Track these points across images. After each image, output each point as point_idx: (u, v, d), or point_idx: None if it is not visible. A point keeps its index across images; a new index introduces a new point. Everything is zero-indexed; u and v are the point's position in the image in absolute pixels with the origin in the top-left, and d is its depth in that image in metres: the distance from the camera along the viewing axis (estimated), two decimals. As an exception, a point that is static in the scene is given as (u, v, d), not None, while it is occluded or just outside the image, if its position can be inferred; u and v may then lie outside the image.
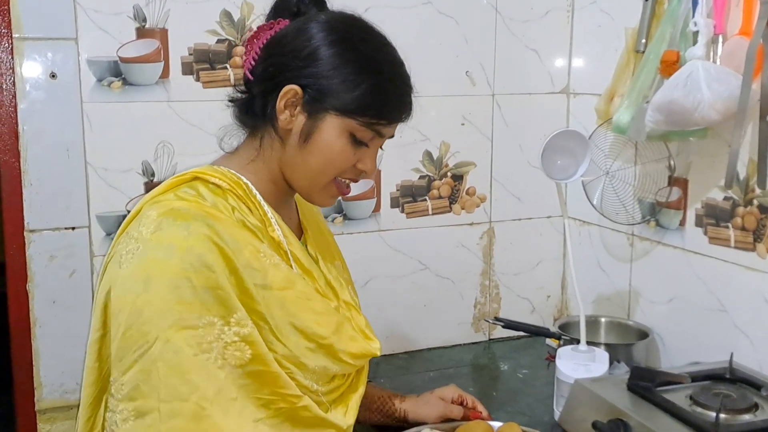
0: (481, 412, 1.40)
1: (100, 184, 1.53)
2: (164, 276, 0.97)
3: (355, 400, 1.18)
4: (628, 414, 1.21)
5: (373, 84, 1.07)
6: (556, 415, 1.46)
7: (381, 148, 1.15)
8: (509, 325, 1.59)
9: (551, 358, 1.81)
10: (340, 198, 1.72)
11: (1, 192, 1.49)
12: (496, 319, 1.60)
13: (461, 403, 1.40)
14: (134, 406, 0.97)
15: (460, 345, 1.93)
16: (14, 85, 1.47)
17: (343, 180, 1.12)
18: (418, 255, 1.86)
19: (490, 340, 1.97)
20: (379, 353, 1.20)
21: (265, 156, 1.12)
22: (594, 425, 1.21)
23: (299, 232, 1.22)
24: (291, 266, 1.09)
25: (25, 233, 1.50)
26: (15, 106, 1.47)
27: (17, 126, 1.47)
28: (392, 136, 1.14)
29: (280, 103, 1.08)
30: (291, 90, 1.07)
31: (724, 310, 1.51)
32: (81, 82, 1.50)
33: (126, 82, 1.53)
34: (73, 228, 1.53)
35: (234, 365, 0.99)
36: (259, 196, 1.10)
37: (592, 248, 1.87)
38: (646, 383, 1.29)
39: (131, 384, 0.97)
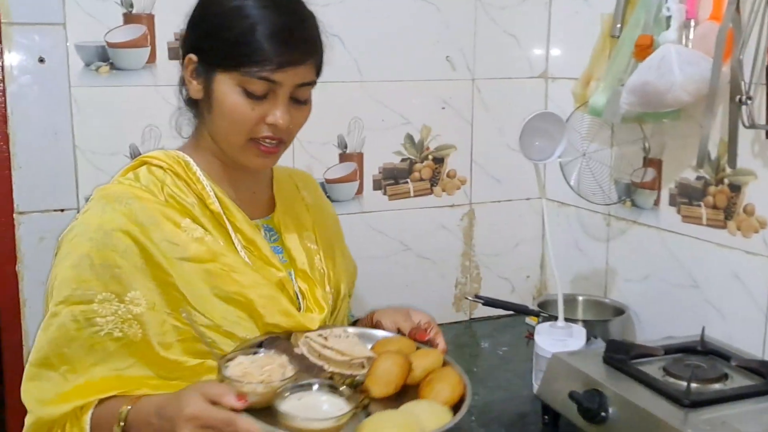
0: (429, 339, 1.24)
1: (89, 167, 1.56)
2: (72, 253, 1.07)
3: None
4: (604, 384, 1.26)
5: (241, 32, 1.06)
6: (535, 388, 1.51)
7: (299, 99, 1.12)
8: (489, 302, 1.63)
9: (530, 336, 1.85)
10: (324, 181, 1.78)
11: (-11, 174, 1.51)
12: (477, 296, 1.64)
13: (425, 330, 1.27)
14: (27, 368, 1.09)
15: (441, 324, 1.91)
16: (2, 69, 1.48)
17: (260, 138, 1.11)
18: (400, 236, 1.90)
19: (470, 319, 2.02)
20: (315, 327, 1.19)
21: (202, 133, 1.18)
22: (571, 395, 1.26)
23: (271, 205, 1.25)
24: (230, 236, 1.13)
25: (14, 215, 1.52)
26: (3, 90, 1.48)
27: (5, 110, 1.49)
28: (307, 83, 1.12)
29: (186, 75, 1.14)
30: (188, 59, 1.13)
31: (697, 286, 1.56)
32: (69, 66, 1.52)
33: (114, 67, 1.55)
34: (62, 210, 1.55)
35: (132, 339, 1.07)
36: (198, 172, 1.15)
37: (570, 229, 1.92)
38: (621, 356, 1.34)
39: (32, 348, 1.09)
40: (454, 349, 1.83)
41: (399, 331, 1.26)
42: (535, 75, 1.98)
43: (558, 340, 1.51)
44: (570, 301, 1.78)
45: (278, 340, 1.13)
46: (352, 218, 1.84)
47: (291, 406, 0.98)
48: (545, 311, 1.69)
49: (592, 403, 1.23)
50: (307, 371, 1.09)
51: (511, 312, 1.82)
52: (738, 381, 1.27)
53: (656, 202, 1.66)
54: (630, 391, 1.24)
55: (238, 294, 1.11)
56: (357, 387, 1.06)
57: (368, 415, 1.02)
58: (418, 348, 1.20)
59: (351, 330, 1.20)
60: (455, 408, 1.05)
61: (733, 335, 1.47)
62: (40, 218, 1.54)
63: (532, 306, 1.79)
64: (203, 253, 1.10)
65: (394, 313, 1.30)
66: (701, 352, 1.38)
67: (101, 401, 1.06)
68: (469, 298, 1.67)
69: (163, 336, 1.08)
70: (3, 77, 1.48)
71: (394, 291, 1.91)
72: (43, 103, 1.51)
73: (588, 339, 1.57)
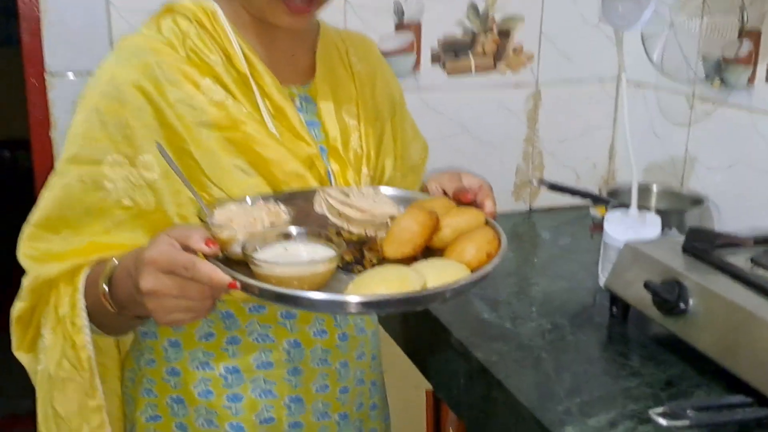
0: (475, 201, 1.03)
1: (123, 26, 1.43)
2: (84, 106, 0.97)
3: None
4: (684, 275, 1.12)
5: None
6: (601, 280, 1.39)
7: None
8: (555, 187, 1.50)
9: (596, 228, 1.73)
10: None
11: (20, 33, 1.41)
12: (542, 180, 1.50)
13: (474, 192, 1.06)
14: (27, 228, 0.98)
15: (498, 214, 1.84)
16: None
17: None
18: (459, 117, 1.76)
19: (530, 210, 1.89)
20: None
21: None
22: (646, 285, 1.13)
23: (313, 71, 1.10)
24: (257, 102, 1.00)
25: (46, 76, 1.42)
26: (29, -62, 1.36)
27: (33, -40, 1.37)
28: None
29: None
30: None
31: (792, 173, 1.40)
32: None
33: None
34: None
35: (144, 209, 0.96)
36: (226, 25, 1.01)
37: (647, 112, 1.74)
38: (704, 245, 1.20)
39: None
40: (511, 239, 1.70)
41: (445, 194, 1.07)
42: (618, -63, 1.76)
43: (630, 228, 1.37)
44: (643, 190, 1.63)
45: (297, 197, 0.99)
46: (406, 96, 1.67)
47: (268, 255, 0.83)
48: (615, 199, 1.55)
49: (670, 294, 1.11)
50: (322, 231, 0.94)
51: (575, 202, 1.70)
52: (840, 275, 1.12)
53: (750, 80, 1.47)
54: (714, 282, 1.10)
55: (261, 168, 0.99)
56: (368, 245, 0.90)
57: None
58: None
59: (385, 189, 1.03)
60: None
61: (832, 228, 1.31)
62: (73, 81, 1.44)
63: (601, 192, 1.65)
64: (223, 119, 0.97)
65: (442, 175, 1.11)
66: (795, 244, 1.23)
67: (99, 260, 0.96)
68: (534, 181, 1.53)
69: (179, 207, 0.97)
70: None
71: (450, 176, 1.78)
72: (73, -48, 1.39)
73: (662, 230, 1.43)
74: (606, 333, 1.23)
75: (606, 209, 1.59)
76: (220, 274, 0.78)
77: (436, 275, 0.81)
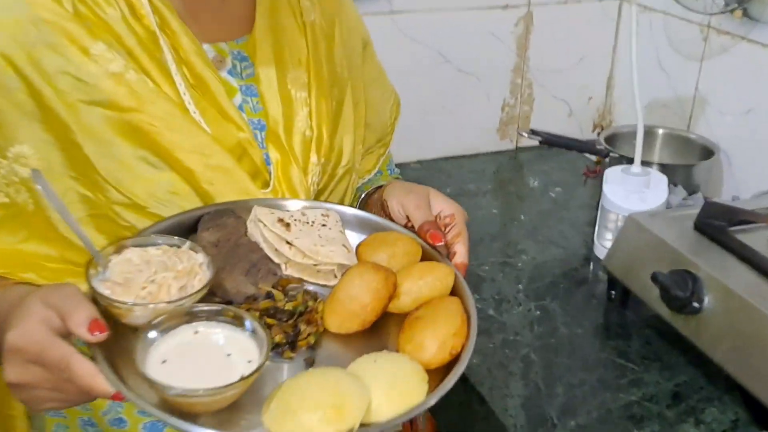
0: (446, 243, 0.79)
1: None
2: None
3: None
4: (698, 265, 0.95)
5: None
6: (598, 248, 1.23)
7: None
8: (548, 140, 1.30)
9: (589, 173, 1.55)
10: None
11: None
12: (533, 131, 1.30)
13: (444, 226, 0.82)
14: None
15: (482, 154, 1.66)
16: None
17: None
18: (439, 45, 1.54)
19: (517, 148, 1.70)
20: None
21: None
22: (654, 278, 0.97)
23: (249, 20, 0.87)
24: (169, 70, 0.78)
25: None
26: None
27: None
28: None
29: None
30: None
31: (822, 128, 1.22)
32: None
33: None
34: None
35: (22, 207, 0.76)
36: None
37: (653, 41, 1.53)
38: (720, 222, 1.03)
39: None
40: (497, 188, 1.54)
41: (408, 221, 0.84)
42: None
43: (632, 191, 1.19)
44: (645, 134, 1.43)
45: (225, 217, 0.76)
46: (378, 20, 1.46)
47: (173, 345, 0.62)
48: (614, 150, 1.37)
49: (683, 289, 0.94)
50: (251, 273, 0.72)
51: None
52: None
53: (779, 13, 1.26)
54: (733, 274, 0.93)
55: (173, 160, 0.77)
56: (305, 317, 0.70)
57: (310, 364, 0.67)
58: (424, 255, 0.79)
59: (338, 210, 0.82)
60: (447, 368, 0.66)
61: None
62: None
63: (595, 136, 1.46)
64: (122, 96, 0.75)
65: (407, 193, 0.86)
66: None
67: None
68: (524, 133, 1.32)
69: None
70: None
71: (428, 113, 1.58)
72: None
73: (668, 186, 1.26)
74: (603, 322, 1.08)
75: (603, 158, 1.41)
76: (102, 384, 0.60)
77: (383, 388, 0.62)
